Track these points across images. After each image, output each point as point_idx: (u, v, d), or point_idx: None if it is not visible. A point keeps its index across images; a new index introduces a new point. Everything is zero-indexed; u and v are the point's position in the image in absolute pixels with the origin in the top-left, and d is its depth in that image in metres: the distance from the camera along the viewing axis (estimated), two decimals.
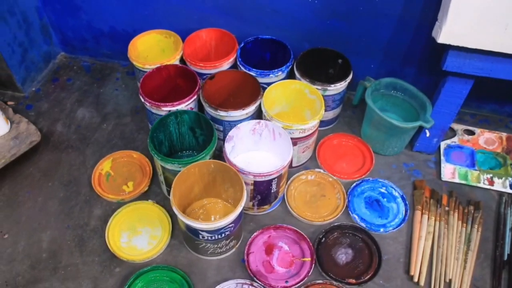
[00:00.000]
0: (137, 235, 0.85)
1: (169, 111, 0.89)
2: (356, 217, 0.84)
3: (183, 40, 1.02)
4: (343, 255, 0.80)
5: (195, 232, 0.75)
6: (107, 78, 1.18)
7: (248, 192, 0.83)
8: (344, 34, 0.99)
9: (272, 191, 0.85)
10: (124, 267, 0.80)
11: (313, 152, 0.98)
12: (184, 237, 0.80)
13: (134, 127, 1.06)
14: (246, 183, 0.82)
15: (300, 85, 0.95)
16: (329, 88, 0.97)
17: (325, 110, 1.00)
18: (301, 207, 0.88)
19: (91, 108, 1.07)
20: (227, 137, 0.84)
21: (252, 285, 0.75)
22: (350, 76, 0.99)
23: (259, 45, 1.01)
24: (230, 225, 0.77)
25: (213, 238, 0.77)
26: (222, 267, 0.82)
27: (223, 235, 0.78)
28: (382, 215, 0.84)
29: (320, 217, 0.85)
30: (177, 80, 0.95)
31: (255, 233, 0.83)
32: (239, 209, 0.75)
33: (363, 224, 0.83)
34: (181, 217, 0.72)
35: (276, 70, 0.98)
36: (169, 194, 0.86)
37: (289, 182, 0.91)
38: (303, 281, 0.76)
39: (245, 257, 0.79)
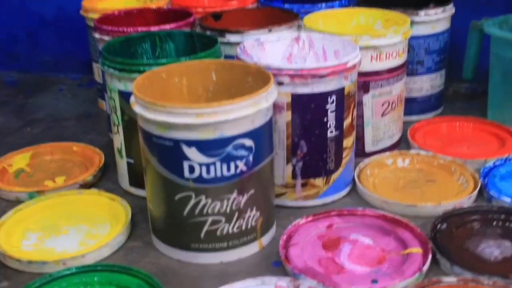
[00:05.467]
0: (57, 236, 0.79)
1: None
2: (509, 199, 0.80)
3: None
4: (493, 249, 0.73)
5: (173, 150, 0.68)
6: (43, 90, 1.30)
7: (280, 134, 0.78)
8: None
9: (329, 133, 0.79)
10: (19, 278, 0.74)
11: (402, 135, 0.98)
12: (154, 192, 0.73)
13: (81, 129, 1.11)
14: (278, 106, 0.77)
15: (369, 14, 0.97)
16: (418, 17, 0.99)
17: (415, 73, 1.03)
18: (390, 194, 0.84)
19: (9, 116, 1.18)
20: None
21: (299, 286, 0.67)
22: (451, 6, 1.02)
23: None
24: (245, 140, 0.69)
25: (211, 171, 0.69)
26: (228, 276, 0.72)
27: (230, 167, 0.70)
28: None
29: (431, 200, 0.81)
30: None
31: (299, 220, 0.77)
32: (261, 95, 0.69)
33: None
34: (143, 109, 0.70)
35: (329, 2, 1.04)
36: (133, 178, 0.88)
37: (361, 166, 0.89)
38: (414, 277, 0.68)
39: (281, 251, 0.72)
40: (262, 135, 0.72)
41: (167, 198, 0.72)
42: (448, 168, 0.88)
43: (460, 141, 0.98)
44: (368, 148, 0.93)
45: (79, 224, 0.81)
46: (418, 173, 0.89)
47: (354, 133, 0.84)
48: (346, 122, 0.81)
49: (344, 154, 0.82)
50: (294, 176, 0.81)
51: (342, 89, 0.78)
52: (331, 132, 0.79)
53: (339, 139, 0.81)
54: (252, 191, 0.72)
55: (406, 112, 1.00)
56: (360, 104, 0.89)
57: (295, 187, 0.82)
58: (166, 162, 0.70)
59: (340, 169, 0.83)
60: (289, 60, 0.87)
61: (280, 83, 0.76)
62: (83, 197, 0.86)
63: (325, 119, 0.78)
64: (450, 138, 0.99)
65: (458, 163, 0.88)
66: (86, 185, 0.90)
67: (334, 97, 0.78)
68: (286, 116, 0.78)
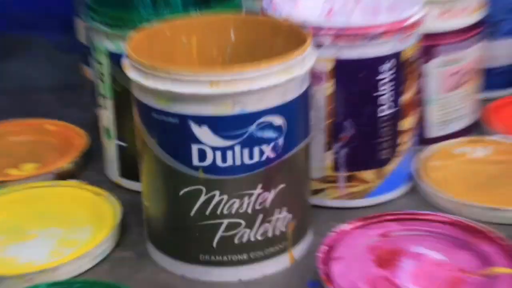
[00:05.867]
0: (22, 242, 0.81)
1: None
2: None
3: None
4: None
5: (178, 130, 0.70)
6: (10, 54, 1.31)
7: (318, 112, 0.80)
8: None
9: (383, 112, 0.80)
10: None
11: (479, 116, 1.00)
12: (152, 185, 0.76)
13: (58, 103, 1.13)
14: (316, 75, 0.78)
15: None
16: None
17: (496, 36, 1.04)
18: (465, 194, 0.85)
19: None
20: None
21: None
22: None
23: None
24: (274, 117, 0.70)
25: (228, 159, 0.71)
26: None
27: (254, 153, 0.71)
28: None
29: None
30: None
31: (343, 226, 0.79)
32: (295, 58, 0.70)
33: None
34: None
35: None
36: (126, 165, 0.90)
37: (424, 155, 0.91)
38: None
39: (320, 267, 0.73)
40: (296, 112, 0.71)
41: (169, 194, 0.72)
42: None
43: None
44: (432, 132, 0.94)
45: (51, 227, 0.82)
46: (501, 166, 0.90)
47: (416, 113, 0.85)
48: (405, 98, 0.81)
49: (402, 139, 0.83)
50: (336, 167, 0.82)
51: (399, 54, 0.80)
52: (385, 110, 0.80)
53: (395, 120, 0.82)
54: (282, 186, 0.71)
55: (485, 87, 1.01)
56: (421, 75, 0.89)
57: (338, 181, 0.83)
58: (168, 146, 0.70)
59: (397, 159, 0.83)
60: (329, 17, 0.87)
61: (319, 45, 0.76)
62: (58, 190, 0.88)
63: (377, 93, 0.79)
64: None
65: None
66: (62, 175, 0.91)
67: (389, 64, 0.79)
68: (326, 89, 0.79)
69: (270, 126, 0.69)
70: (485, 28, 0.98)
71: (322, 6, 0.87)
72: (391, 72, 0.79)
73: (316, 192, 0.82)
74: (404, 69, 0.80)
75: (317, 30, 0.76)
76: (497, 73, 1.07)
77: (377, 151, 0.82)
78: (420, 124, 0.90)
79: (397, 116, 0.81)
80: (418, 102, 0.85)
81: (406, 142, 0.83)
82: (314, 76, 0.77)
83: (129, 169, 0.86)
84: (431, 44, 0.89)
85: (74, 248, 0.77)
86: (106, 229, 0.79)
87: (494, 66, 1.06)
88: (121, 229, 0.81)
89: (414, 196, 0.86)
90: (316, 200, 0.82)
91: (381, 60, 0.78)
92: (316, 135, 0.80)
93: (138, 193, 0.79)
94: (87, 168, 0.95)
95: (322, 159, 0.82)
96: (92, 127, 0.98)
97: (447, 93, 0.93)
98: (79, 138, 0.97)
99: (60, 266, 0.74)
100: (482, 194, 0.84)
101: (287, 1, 0.85)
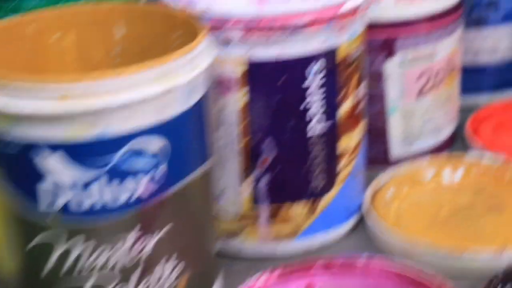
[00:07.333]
0: None
1: None
2: None
3: None
4: None
5: (21, 161, 0.61)
6: None
7: (230, 129, 0.73)
8: None
9: (313, 127, 0.73)
10: None
11: (459, 128, 0.94)
12: None
13: None
14: (224, 82, 0.71)
15: None
16: None
17: (483, 23, 0.98)
18: (423, 231, 0.80)
19: None
20: None
21: None
22: None
23: None
24: (150, 139, 0.62)
25: (91, 196, 0.61)
26: None
27: (125, 187, 0.61)
28: None
29: (490, 242, 0.79)
30: None
31: (259, 277, 0.73)
32: (177, 60, 0.63)
33: None
34: None
35: None
36: None
37: (379, 182, 0.83)
38: None
39: None
40: (183, 132, 0.62)
41: (14, 249, 0.64)
42: None
43: None
44: (396, 151, 0.87)
45: None
46: (476, 194, 0.83)
47: (360, 127, 0.77)
48: (344, 109, 0.73)
49: (342, 162, 0.75)
50: (256, 200, 0.74)
51: (334, 52, 0.71)
52: (316, 125, 0.72)
53: (331, 138, 0.74)
54: (168, 228, 0.62)
55: (469, 89, 0.96)
56: (379, 76, 0.83)
57: (259, 218, 0.75)
58: (8, 184, 0.61)
59: (336, 189, 0.75)
60: (261, 4, 0.77)
61: (226, 41, 0.68)
62: None
63: (304, 104, 0.71)
64: None
65: None
66: None
67: (318, 66, 0.70)
68: (238, 100, 0.70)
69: (144, 151, 0.59)
70: (470, 14, 0.95)
71: None
72: (321, 76, 0.70)
73: (230, 234, 0.75)
74: (341, 72, 0.72)
75: (222, 23, 0.67)
76: (489, 71, 1.01)
77: (308, 179, 0.73)
78: (379, 140, 0.85)
79: (333, 133, 0.73)
80: (363, 114, 0.78)
81: (347, 166, 0.76)
82: (222, 84, 0.71)
83: None
84: (388, 38, 0.82)
85: None
86: None
87: (483, 62, 1.00)
88: None
89: (359, 236, 0.79)
90: (230, 244, 0.75)
91: (308, 60, 0.69)
92: (229, 159, 0.73)
93: None
94: None
95: (237, 191, 0.74)
96: None
97: (413, 100, 0.85)
98: None
99: None
100: (443, 231, 0.77)
101: None
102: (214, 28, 0.66)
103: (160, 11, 0.71)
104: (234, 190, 0.73)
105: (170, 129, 0.60)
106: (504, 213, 0.79)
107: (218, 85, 0.68)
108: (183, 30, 0.68)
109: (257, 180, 0.72)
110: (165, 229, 0.62)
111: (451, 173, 0.84)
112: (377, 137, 0.82)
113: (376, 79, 0.82)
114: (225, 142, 0.71)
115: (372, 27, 0.77)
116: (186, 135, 0.62)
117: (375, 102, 0.82)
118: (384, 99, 0.83)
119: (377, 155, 0.83)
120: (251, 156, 0.71)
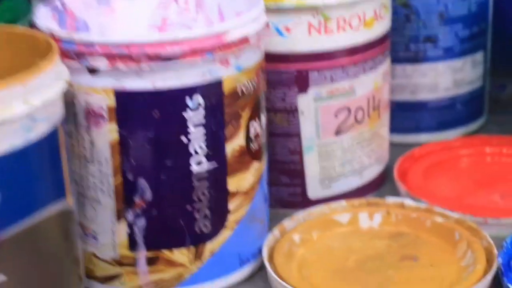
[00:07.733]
0: None
1: None
2: None
3: None
4: None
5: None
6: None
7: (101, 166, 0.69)
8: None
9: (196, 166, 0.69)
10: None
11: (388, 170, 0.93)
12: None
13: None
14: (93, 113, 0.67)
15: None
16: None
17: (421, 58, 0.97)
18: (324, 283, 0.77)
19: None
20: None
21: None
22: None
23: None
24: None
25: None
26: None
27: None
28: None
29: None
30: None
31: None
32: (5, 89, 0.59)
33: None
34: None
35: None
36: None
37: (289, 224, 0.80)
38: None
39: None
40: (23, 166, 0.57)
41: None
42: (449, 233, 0.79)
43: (493, 183, 0.89)
44: (313, 192, 0.82)
45: None
46: (392, 241, 0.79)
47: (256, 167, 0.72)
48: (232, 146, 0.68)
49: (232, 205, 0.70)
50: (132, 243, 0.68)
51: (218, 84, 0.66)
52: (198, 164, 0.67)
53: (217, 177, 0.69)
54: (10, 274, 0.56)
55: (408, 128, 0.96)
56: (293, 112, 0.79)
57: (137, 264, 0.69)
58: None
59: (225, 233, 0.70)
60: (163, 30, 0.75)
61: (93, 70, 0.63)
62: None
63: (183, 140, 0.66)
64: (479, 176, 0.91)
65: (470, 224, 0.78)
66: None
67: (198, 98, 0.66)
68: (109, 133, 0.65)
69: None
70: (405, 46, 0.94)
71: (152, 14, 0.74)
72: (202, 110, 0.65)
73: (107, 279, 0.69)
74: (228, 106, 0.67)
75: (86, 47, 0.62)
76: (429, 109, 0.97)
77: (191, 222, 0.68)
78: (295, 180, 0.81)
79: (220, 172, 0.68)
80: (261, 153, 0.73)
81: (239, 209, 0.70)
82: (91, 116, 0.64)
83: None
84: (301, 70, 0.77)
85: None
86: None
87: (422, 99, 0.97)
88: None
89: (256, 285, 0.74)
90: None
91: (185, 92, 0.64)
92: (102, 199, 0.67)
93: None
94: None
95: (112, 233, 0.69)
96: None
97: (331, 138, 0.80)
98: None
99: None
100: (347, 285, 0.73)
101: (94, 8, 0.72)
102: (79, 55, 0.61)
103: (23, 33, 0.66)
104: (110, 233, 0.69)
105: (5, 163, 0.54)
106: (418, 263, 0.75)
107: (87, 116, 0.64)
108: (44, 56, 0.61)
109: (133, 223, 0.68)
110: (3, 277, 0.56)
111: (368, 218, 0.80)
112: (293, 177, 0.79)
113: (290, 115, 0.78)
114: (98, 180, 0.66)
115: (284, 58, 0.74)
116: (27, 170, 0.56)
117: (291, 139, 0.78)
118: (299, 137, 0.79)
119: (295, 197, 0.80)
120: (125, 197, 0.67)
